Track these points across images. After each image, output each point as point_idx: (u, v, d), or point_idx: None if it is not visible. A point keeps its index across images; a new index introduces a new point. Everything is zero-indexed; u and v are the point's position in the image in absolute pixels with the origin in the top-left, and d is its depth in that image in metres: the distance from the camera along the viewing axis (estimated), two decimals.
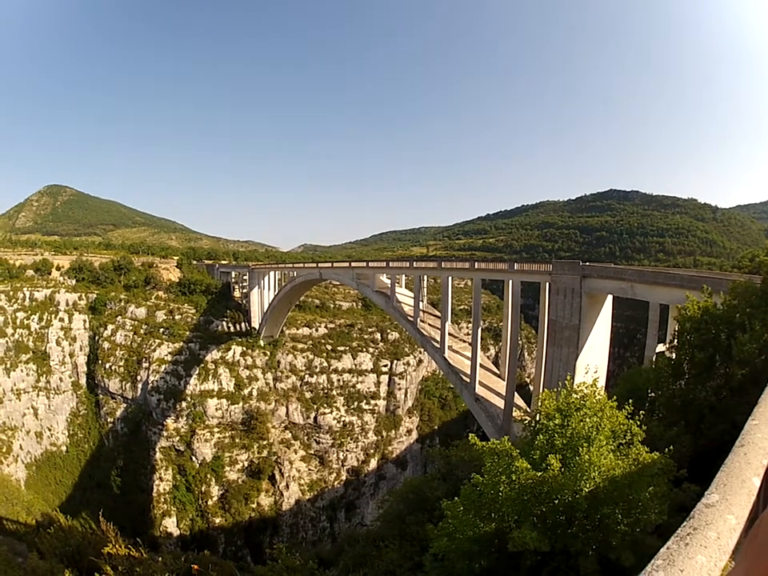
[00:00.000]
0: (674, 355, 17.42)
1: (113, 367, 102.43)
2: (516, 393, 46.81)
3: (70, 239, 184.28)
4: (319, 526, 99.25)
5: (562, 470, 9.47)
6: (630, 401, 11.15)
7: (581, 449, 9.61)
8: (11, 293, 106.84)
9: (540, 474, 9.50)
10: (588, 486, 9.29)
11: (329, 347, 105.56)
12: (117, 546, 17.77)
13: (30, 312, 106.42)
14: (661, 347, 32.20)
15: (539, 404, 11.24)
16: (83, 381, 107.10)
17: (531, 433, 11.46)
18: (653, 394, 17.27)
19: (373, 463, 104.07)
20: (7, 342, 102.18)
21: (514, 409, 44.26)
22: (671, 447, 10.30)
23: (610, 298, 39.88)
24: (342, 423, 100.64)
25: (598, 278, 38.94)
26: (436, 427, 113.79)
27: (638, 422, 10.67)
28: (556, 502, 9.44)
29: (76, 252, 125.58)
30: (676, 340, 17.49)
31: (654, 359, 27.32)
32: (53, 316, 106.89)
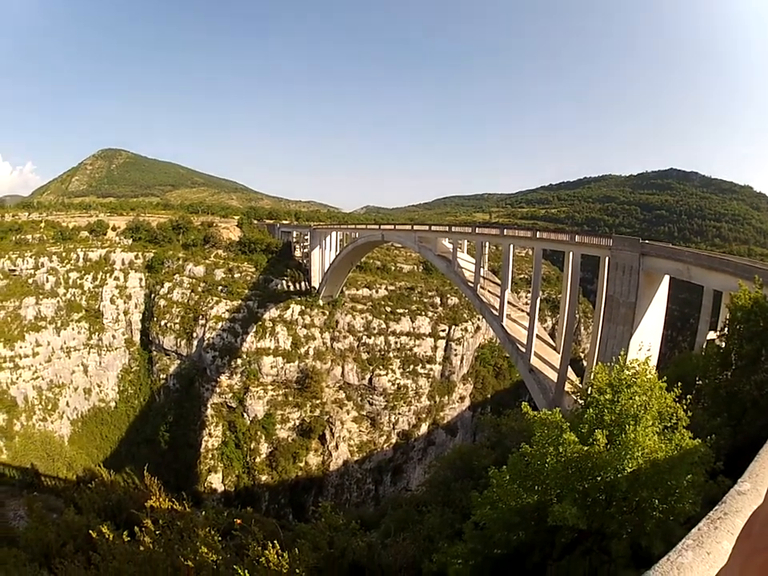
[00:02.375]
0: (723, 344, 17.98)
1: (168, 324, 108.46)
2: (569, 367, 47.55)
3: (127, 200, 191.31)
4: (364, 489, 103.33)
5: (608, 446, 10.02)
6: (679, 384, 11.72)
7: (627, 426, 10.10)
8: (63, 254, 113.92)
9: (586, 448, 10.00)
10: (630, 465, 9.74)
11: (388, 309, 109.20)
12: (159, 500, 18.56)
13: (83, 272, 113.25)
14: (712, 334, 32.22)
15: (592, 377, 11.83)
16: (137, 338, 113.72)
17: (582, 406, 12.14)
18: (700, 382, 17.62)
19: (423, 428, 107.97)
20: (58, 301, 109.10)
21: (567, 383, 45.36)
22: (713, 436, 11.04)
23: (666, 278, 40.66)
24: (396, 386, 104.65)
25: (656, 257, 39.98)
26: (489, 396, 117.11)
27: (684, 408, 11.24)
28: (598, 479, 9.94)
29: (132, 213, 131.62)
30: (726, 328, 17.99)
31: (704, 346, 27.52)
32: (107, 275, 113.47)
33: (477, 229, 65.68)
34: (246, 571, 11.83)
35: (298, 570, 12.79)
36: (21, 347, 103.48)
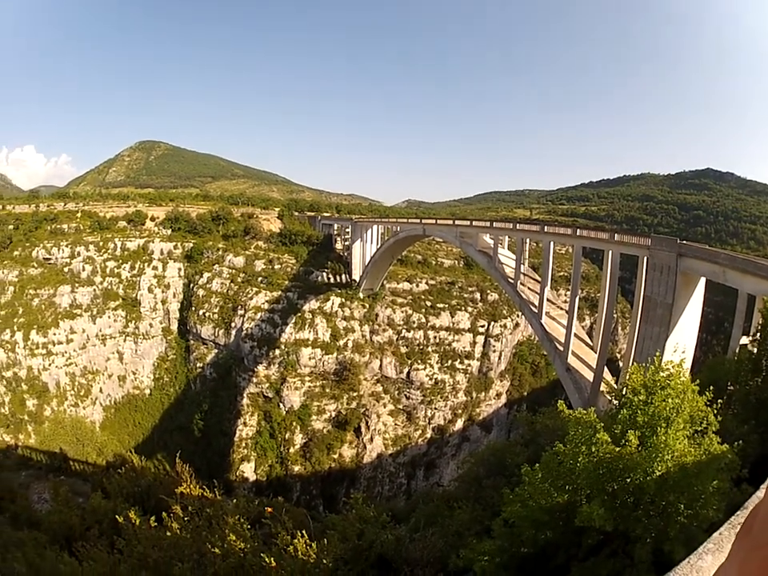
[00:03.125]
0: (755, 349, 17.99)
1: (206, 314, 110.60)
2: (605, 367, 48.09)
3: (166, 191, 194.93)
4: (396, 482, 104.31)
5: (639, 448, 10.22)
6: (711, 388, 11.80)
7: (659, 429, 10.29)
8: (101, 243, 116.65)
9: (618, 449, 10.21)
10: (660, 468, 9.93)
11: (428, 303, 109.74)
12: (190, 487, 19.44)
13: (120, 261, 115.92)
14: (744, 339, 32.06)
15: (627, 377, 11.97)
16: (174, 327, 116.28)
17: (616, 406, 12.26)
18: (731, 388, 17.36)
19: (459, 424, 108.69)
20: (95, 290, 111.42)
21: (602, 383, 45.58)
22: (740, 442, 10.96)
23: (702, 280, 40.31)
24: (433, 380, 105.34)
25: (693, 258, 39.78)
26: (525, 393, 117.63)
27: (715, 412, 11.35)
28: (628, 480, 10.14)
29: (172, 203, 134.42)
30: (759, 333, 18.09)
31: (737, 351, 27.65)
32: (145, 264, 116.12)
33: (517, 225, 65.91)
34: (273, 559, 12.61)
35: (325, 561, 13.22)
36: (54, 334, 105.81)
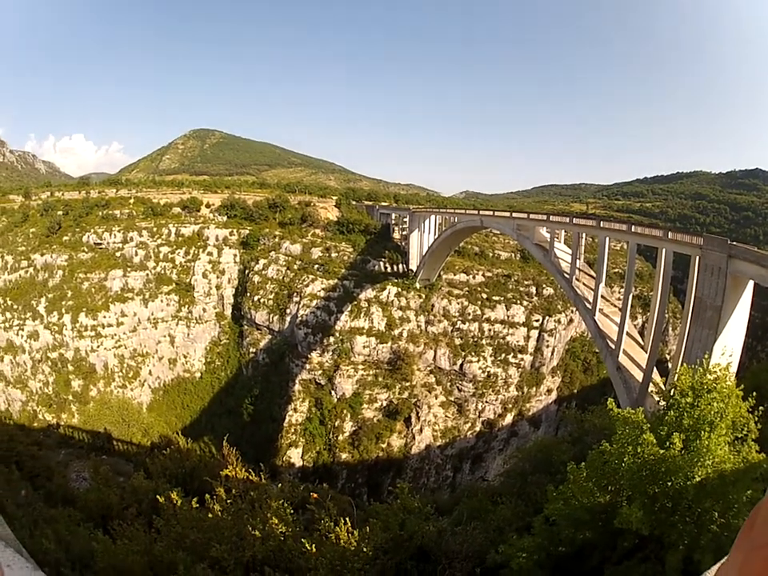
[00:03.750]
0: None
1: (261, 300, 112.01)
2: (655, 367, 47.53)
3: (221, 178, 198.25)
4: (442, 475, 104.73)
5: (682, 451, 10.30)
6: (754, 394, 11.82)
7: (703, 433, 10.35)
8: (154, 229, 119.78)
9: (662, 451, 10.34)
10: (700, 473, 10.02)
11: (484, 296, 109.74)
12: (235, 470, 19.80)
13: (174, 247, 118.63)
14: None
15: (675, 378, 12.04)
16: (228, 312, 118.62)
17: (663, 408, 12.39)
18: None
19: (508, 418, 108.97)
20: (147, 274, 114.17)
21: (651, 383, 45.18)
22: None
23: (751, 283, 39.31)
24: (486, 373, 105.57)
25: (742, 260, 38.88)
26: (575, 390, 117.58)
27: (756, 420, 11.42)
28: (669, 484, 10.22)
29: (227, 191, 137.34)
30: None
31: None
32: (200, 250, 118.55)
33: (574, 219, 65.38)
34: (314, 545, 12.96)
35: (365, 549, 13.50)
36: (104, 317, 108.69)
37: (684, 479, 10.11)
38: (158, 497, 17.44)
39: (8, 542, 4.91)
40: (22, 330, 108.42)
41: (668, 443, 10.56)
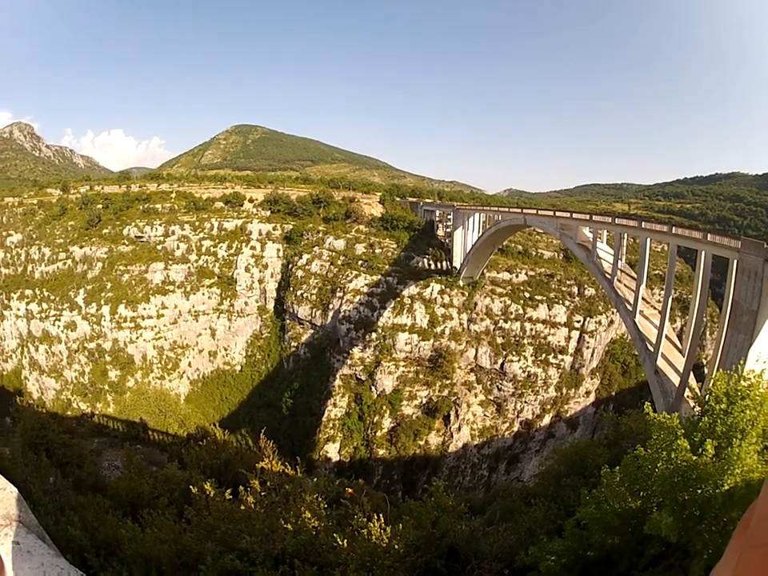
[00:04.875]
0: None
1: (304, 294, 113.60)
2: (691, 372, 47.12)
3: (264, 174, 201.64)
4: (478, 474, 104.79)
5: (714, 458, 10.25)
6: None
7: (735, 440, 10.32)
8: (197, 223, 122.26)
9: (695, 458, 10.25)
10: (729, 482, 9.94)
11: (527, 295, 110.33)
12: (271, 463, 19.82)
13: (217, 241, 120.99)
14: None
15: (710, 384, 11.98)
16: (270, 306, 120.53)
17: (698, 414, 12.42)
18: None
19: (546, 419, 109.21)
20: (189, 267, 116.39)
21: (687, 388, 45.00)
22: None
23: None
24: (526, 373, 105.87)
25: None
26: (613, 393, 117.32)
27: None
28: (699, 491, 10.14)
29: (270, 186, 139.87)
30: None
31: None
32: (243, 244, 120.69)
33: (616, 219, 65.53)
34: (345, 540, 12.78)
35: (396, 546, 13.33)
36: (144, 309, 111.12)
37: (713, 487, 10.10)
38: (190, 487, 17.63)
39: (30, 528, 5.23)
40: (59, 320, 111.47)
41: (701, 450, 10.53)
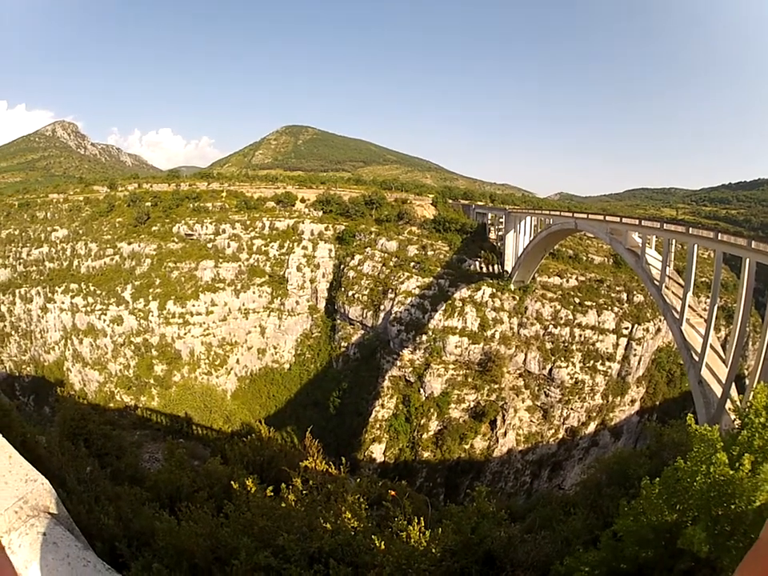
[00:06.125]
0: None
1: (356, 295, 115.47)
2: (734, 383, 47.22)
3: (316, 174, 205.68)
4: (520, 480, 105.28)
5: (749, 474, 10.04)
6: None
7: None
8: (248, 222, 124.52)
9: (732, 472, 10.04)
10: (761, 498, 9.78)
11: (576, 300, 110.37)
12: (315, 462, 19.70)
13: (269, 240, 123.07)
14: None
15: (751, 397, 11.74)
16: (321, 305, 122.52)
17: (738, 427, 12.13)
18: None
19: (591, 427, 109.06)
20: (240, 266, 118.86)
21: (728, 400, 44.95)
22: None
23: None
24: (574, 380, 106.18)
25: None
26: (658, 402, 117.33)
27: None
28: (732, 507, 9.96)
29: (322, 186, 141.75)
30: None
31: None
32: (295, 244, 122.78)
33: (664, 225, 65.41)
34: (383, 542, 12.78)
35: (434, 550, 13.30)
36: (193, 305, 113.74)
37: (746, 503, 9.90)
38: (232, 482, 17.67)
39: (59, 520, 5.26)
40: (105, 314, 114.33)
41: (738, 464, 10.25)
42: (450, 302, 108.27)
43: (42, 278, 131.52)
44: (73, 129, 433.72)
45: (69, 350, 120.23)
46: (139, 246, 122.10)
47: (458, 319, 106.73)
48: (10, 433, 17.77)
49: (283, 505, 15.75)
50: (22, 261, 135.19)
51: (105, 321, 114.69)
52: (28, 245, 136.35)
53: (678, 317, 56.44)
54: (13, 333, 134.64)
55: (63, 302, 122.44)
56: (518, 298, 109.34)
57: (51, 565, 4.51)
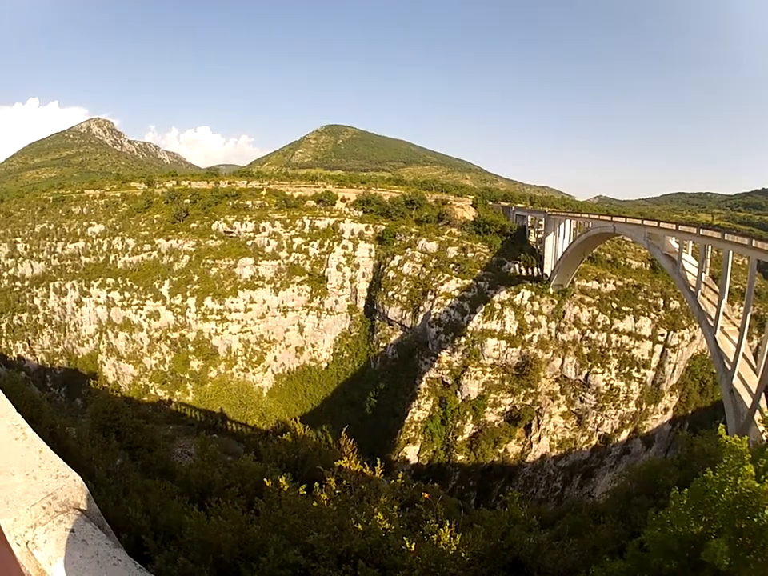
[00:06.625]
0: None
1: (395, 296, 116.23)
2: (764, 394, 46.49)
3: (356, 174, 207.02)
4: (552, 486, 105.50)
5: None
6: None
7: None
8: (288, 220, 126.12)
9: (757, 485, 9.97)
10: None
11: (614, 305, 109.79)
12: (350, 461, 19.84)
13: (309, 239, 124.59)
14: None
15: None
16: (361, 305, 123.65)
17: (766, 439, 11.97)
18: None
19: (624, 434, 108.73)
20: (279, 264, 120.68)
21: (757, 411, 44.26)
22: None
23: None
24: (609, 386, 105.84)
25: None
26: (690, 411, 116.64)
27: None
28: (755, 520, 9.89)
29: (363, 186, 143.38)
30: None
31: None
32: (335, 243, 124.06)
33: (701, 230, 64.16)
34: (414, 544, 12.74)
35: (463, 554, 13.32)
36: (231, 302, 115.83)
37: (766, 517, 9.76)
38: (264, 480, 17.80)
39: (90, 517, 5.33)
40: (142, 309, 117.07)
41: (764, 477, 10.22)
42: (488, 304, 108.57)
43: (77, 272, 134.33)
44: (109, 126, 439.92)
45: (103, 343, 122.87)
46: (177, 242, 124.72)
47: (497, 322, 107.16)
48: (40, 424, 18.33)
49: (315, 504, 16.03)
50: (56, 255, 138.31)
51: (141, 315, 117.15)
52: (63, 239, 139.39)
53: (712, 324, 55.90)
54: (46, 325, 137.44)
55: (99, 296, 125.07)
56: (556, 301, 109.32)
57: (78, 562, 4.69)
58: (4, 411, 7.18)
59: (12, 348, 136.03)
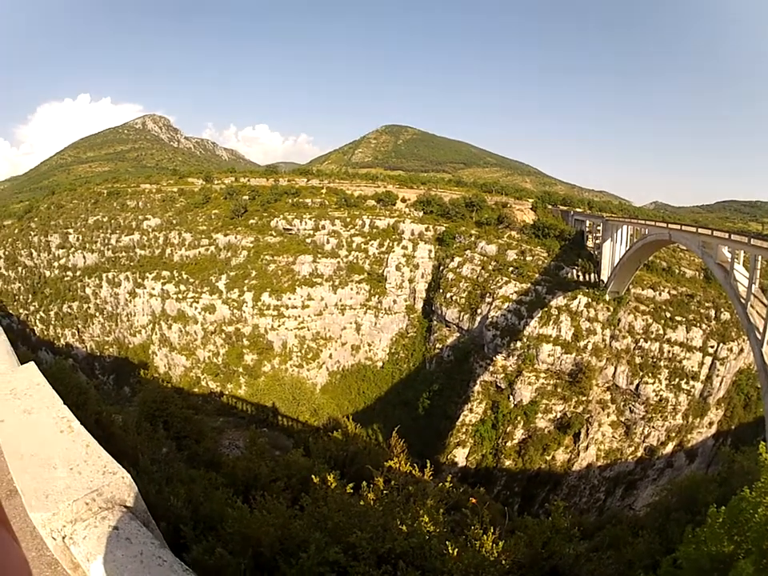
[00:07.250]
0: None
1: (453, 297, 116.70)
2: None
3: (416, 174, 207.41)
4: (594, 496, 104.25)
5: None
6: None
7: None
8: (348, 219, 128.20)
9: None
10: None
11: (668, 314, 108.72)
12: (399, 462, 19.63)
13: (369, 238, 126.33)
14: None
15: None
16: (419, 306, 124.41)
17: None
18: None
19: (669, 447, 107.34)
20: (339, 262, 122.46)
21: None
22: None
23: None
24: (659, 397, 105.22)
25: None
26: (733, 427, 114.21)
27: None
28: None
29: (423, 187, 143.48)
30: None
31: None
32: (395, 243, 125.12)
33: (752, 240, 62.17)
34: (456, 549, 12.68)
35: (504, 562, 13.36)
36: (289, 299, 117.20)
37: None
38: (312, 476, 17.80)
39: (136, 515, 5.36)
40: (197, 302, 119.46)
41: None
42: (545, 309, 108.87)
43: (131, 263, 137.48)
44: (164, 122, 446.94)
45: (156, 334, 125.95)
46: (235, 237, 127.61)
47: (553, 327, 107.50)
48: (86, 411, 18.61)
49: (361, 503, 15.83)
50: (110, 246, 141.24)
51: (196, 308, 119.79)
52: (117, 231, 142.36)
53: (759, 338, 54.56)
54: (97, 314, 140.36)
55: (153, 288, 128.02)
56: (611, 309, 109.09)
57: (120, 561, 4.62)
58: (50, 403, 7.26)
59: (61, 335, 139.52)
